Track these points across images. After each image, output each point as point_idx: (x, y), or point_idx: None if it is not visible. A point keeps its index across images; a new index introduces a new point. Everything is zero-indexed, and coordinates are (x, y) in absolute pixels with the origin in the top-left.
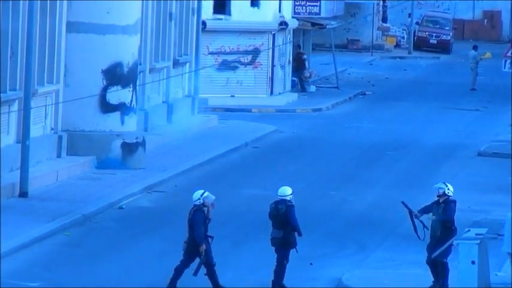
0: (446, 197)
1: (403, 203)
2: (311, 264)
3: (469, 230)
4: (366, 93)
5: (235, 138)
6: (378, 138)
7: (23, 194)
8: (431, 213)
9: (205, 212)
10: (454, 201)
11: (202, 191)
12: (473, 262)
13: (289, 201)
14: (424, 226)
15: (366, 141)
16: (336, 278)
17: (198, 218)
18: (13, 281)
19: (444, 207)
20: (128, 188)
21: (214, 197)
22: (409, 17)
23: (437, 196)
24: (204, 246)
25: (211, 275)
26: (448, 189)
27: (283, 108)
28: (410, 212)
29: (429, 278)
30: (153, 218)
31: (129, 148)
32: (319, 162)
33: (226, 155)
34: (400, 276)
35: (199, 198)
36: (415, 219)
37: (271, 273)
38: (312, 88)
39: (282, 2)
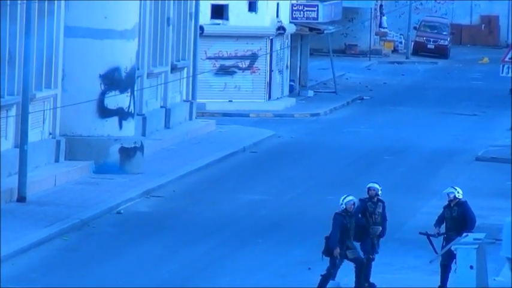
0: (457, 200)
1: (420, 233)
2: (309, 269)
3: (467, 235)
4: (364, 98)
5: (233, 143)
6: (375, 143)
7: (21, 198)
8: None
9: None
10: (466, 201)
11: (345, 195)
12: (471, 267)
13: (362, 198)
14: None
15: (364, 146)
16: (334, 282)
17: (335, 221)
18: (12, 285)
19: (458, 209)
20: (126, 193)
21: (353, 198)
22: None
23: (449, 201)
24: (338, 250)
25: (358, 273)
26: (458, 192)
27: (281, 113)
28: (427, 235)
29: (428, 283)
30: (151, 223)
31: (127, 153)
32: (317, 166)
33: (224, 160)
34: (398, 281)
35: (341, 204)
36: (432, 239)
37: (270, 276)
38: (310, 93)
39: (280, 7)
